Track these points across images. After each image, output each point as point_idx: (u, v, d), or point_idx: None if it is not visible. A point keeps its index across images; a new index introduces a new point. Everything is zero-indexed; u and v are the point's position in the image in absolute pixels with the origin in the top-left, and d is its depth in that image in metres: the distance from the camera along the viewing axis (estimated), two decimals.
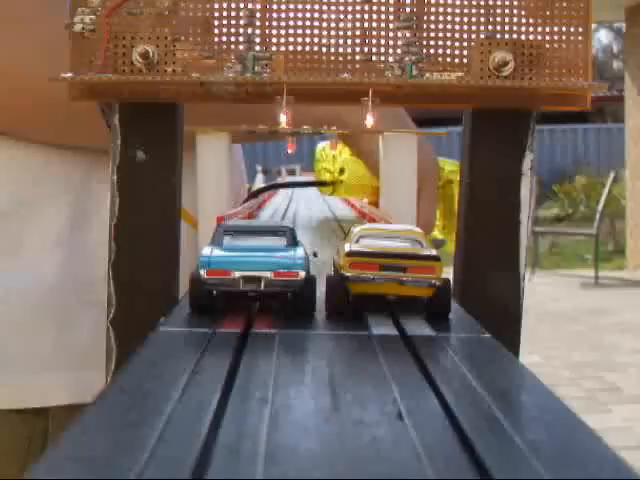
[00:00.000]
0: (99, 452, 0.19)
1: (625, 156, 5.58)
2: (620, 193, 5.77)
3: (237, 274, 0.32)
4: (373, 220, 0.73)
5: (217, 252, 0.33)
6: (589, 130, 8.77)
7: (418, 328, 0.33)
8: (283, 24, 0.36)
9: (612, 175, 5.37)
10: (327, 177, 0.82)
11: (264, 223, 0.43)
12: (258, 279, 0.32)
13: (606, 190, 5.30)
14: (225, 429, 0.21)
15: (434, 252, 0.34)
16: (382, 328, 0.33)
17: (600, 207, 5.19)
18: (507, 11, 0.37)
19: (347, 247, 0.35)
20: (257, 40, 0.36)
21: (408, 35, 0.37)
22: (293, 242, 0.35)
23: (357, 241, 0.35)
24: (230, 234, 0.35)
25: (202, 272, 0.32)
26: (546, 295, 4.24)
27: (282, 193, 1.15)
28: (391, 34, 0.36)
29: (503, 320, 0.39)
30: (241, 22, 0.36)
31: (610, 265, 5.42)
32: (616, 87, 8.29)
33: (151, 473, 0.18)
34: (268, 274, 0.32)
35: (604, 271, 5.02)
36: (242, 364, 0.27)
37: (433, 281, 0.33)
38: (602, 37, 13.12)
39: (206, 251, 0.33)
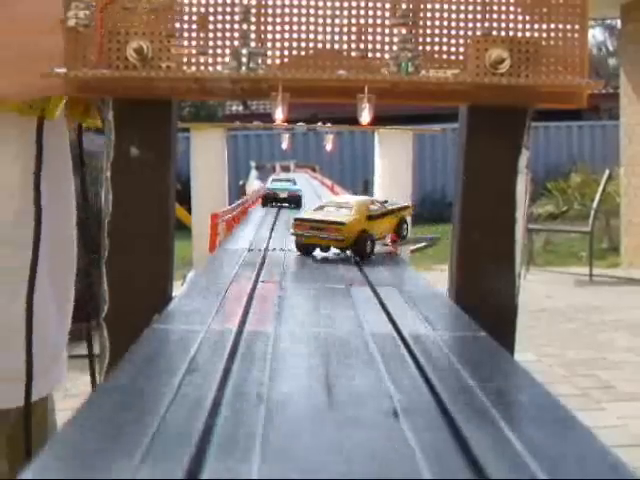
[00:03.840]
0: (93, 451, 0.19)
1: (620, 153, 5.58)
2: (615, 190, 5.77)
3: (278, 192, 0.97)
4: (337, 193, 1.17)
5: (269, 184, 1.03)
6: (584, 127, 8.77)
7: (414, 326, 0.33)
8: (278, 20, 0.36)
9: (607, 172, 5.37)
10: None
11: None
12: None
13: (601, 187, 5.30)
14: (220, 427, 0.21)
15: (344, 219, 0.53)
16: (377, 326, 0.33)
17: (595, 204, 5.20)
18: (503, 8, 0.37)
19: (300, 214, 0.57)
20: (252, 36, 0.36)
21: (404, 32, 0.36)
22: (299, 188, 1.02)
23: (317, 209, 0.57)
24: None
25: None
26: (540, 293, 4.25)
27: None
28: (387, 31, 0.36)
29: (498, 318, 0.38)
30: (236, 18, 0.36)
31: (604, 262, 5.43)
32: (611, 84, 8.30)
33: (145, 472, 0.18)
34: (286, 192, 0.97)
35: (598, 268, 5.02)
36: (237, 362, 0.27)
37: (340, 237, 0.53)
38: (597, 34, 13.15)
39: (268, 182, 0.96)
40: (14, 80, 0.52)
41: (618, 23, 6.33)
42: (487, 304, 0.39)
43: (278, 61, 0.36)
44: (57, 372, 0.66)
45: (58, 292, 0.65)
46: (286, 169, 3.04)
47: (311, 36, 0.36)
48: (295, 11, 0.36)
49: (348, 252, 0.55)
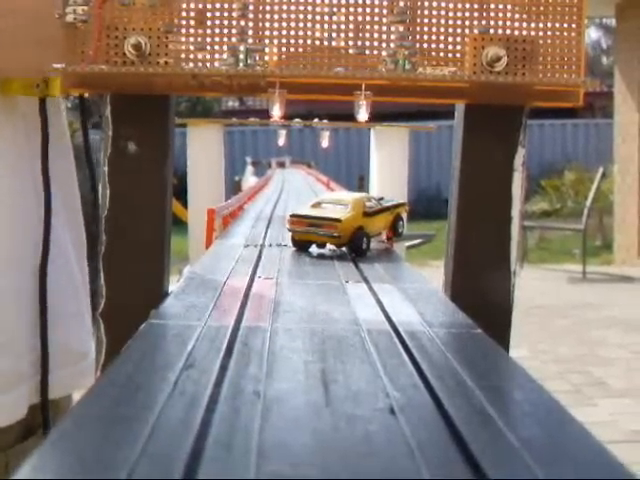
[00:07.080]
0: (89, 447, 0.19)
1: (614, 152, 5.59)
2: (608, 188, 5.79)
3: None
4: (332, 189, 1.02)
5: None
6: (578, 125, 8.79)
7: (410, 323, 0.33)
8: (276, 17, 0.36)
9: (601, 170, 5.39)
10: None
11: None
12: None
13: (595, 185, 5.32)
14: (217, 424, 0.21)
15: (340, 216, 0.53)
16: (373, 322, 0.33)
17: (588, 202, 5.21)
18: (501, 6, 0.37)
19: (296, 211, 0.56)
20: (250, 33, 0.36)
21: (401, 29, 0.36)
22: None
23: (313, 205, 0.56)
24: None
25: None
26: (534, 289, 4.26)
27: (272, 185, 1.18)
28: (384, 28, 0.36)
29: (494, 315, 0.39)
30: (234, 14, 0.36)
31: (598, 260, 5.44)
32: (605, 83, 8.31)
33: (143, 469, 0.18)
34: None
35: (592, 266, 5.04)
36: (233, 358, 0.27)
37: (336, 233, 0.53)
38: (591, 33, 13.17)
39: None
40: (24, 55, 0.51)
41: (613, 22, 6.33)
42: (482, 301, 0.39)
43: (275, 58, 0.36)
44: (81, 369, 0.63)
45: (74, 281, 0.64)
46: (282, 165, 3.03)
47: (309, 33, 0.36)
48: (293, 8, 0.36)
49: (344, 248, 0.55)
